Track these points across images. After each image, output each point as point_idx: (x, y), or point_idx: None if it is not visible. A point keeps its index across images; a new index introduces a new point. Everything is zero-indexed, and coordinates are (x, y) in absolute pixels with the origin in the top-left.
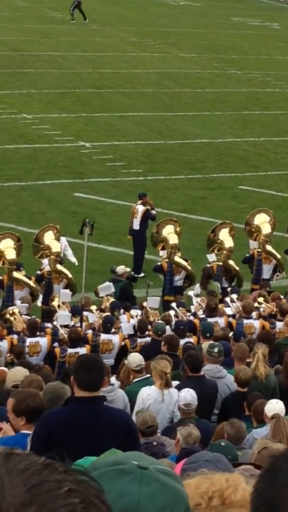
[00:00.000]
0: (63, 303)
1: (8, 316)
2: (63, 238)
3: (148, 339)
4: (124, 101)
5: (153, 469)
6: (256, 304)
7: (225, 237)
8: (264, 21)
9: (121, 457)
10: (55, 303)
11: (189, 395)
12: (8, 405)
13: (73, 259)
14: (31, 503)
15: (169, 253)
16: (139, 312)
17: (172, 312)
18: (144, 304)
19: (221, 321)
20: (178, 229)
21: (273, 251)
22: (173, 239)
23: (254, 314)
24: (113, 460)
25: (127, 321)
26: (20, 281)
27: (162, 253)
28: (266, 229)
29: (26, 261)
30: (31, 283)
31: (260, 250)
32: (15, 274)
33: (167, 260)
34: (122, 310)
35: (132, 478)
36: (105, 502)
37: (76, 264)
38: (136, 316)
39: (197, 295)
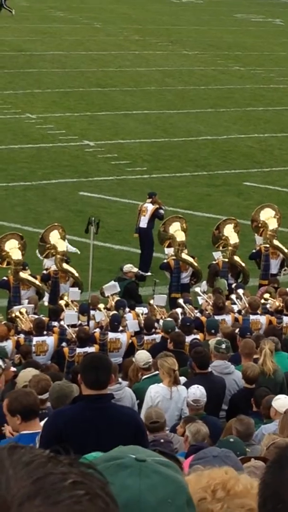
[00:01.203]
0: (72, 301)
1: (14, 316)
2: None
3: (155, 336)
4: (128, 99)
5: (151, 461)
6: (262, 300)
7: (230, 233)
8: (267, 17)
9: (118, 452)
10: (63, 302)
11: (198, 391)
12: (4, 406)
13: (73, 249)
14: (36, 495)
15: (176, 250)
16: (145, 310)
17: (179, 310)
18: (151, 302)
19: (228, 318)
20: (184, 226)
21: (281, 246)
22: (180, 236)
23: (260, 310)
24: (110, 455)
25: (133, 319)
26: (25, 280)
27: (168, 251)
28: (272, 224)
29: (31, 260)
30: (37, 282)
31: (267, 245)
32: (21, 274)
33: (173, 257)
34: (127, 309)
35: (131, 471)
36: (110, 494)
37: (78, 252)
38: (142, 314)
39: (204, 292)
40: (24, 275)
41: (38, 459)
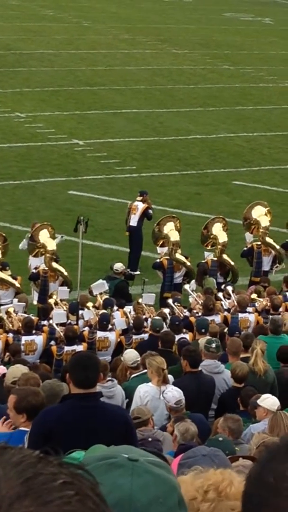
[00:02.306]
0: (61, 300)
1: (0, 315)
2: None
3: (144, 335)
4: (117, 98)
5: (143, 460)
6: (253, 296)
7: (219, 232)
8: (256, 16)
9: (110, 451)
10: (52, 300)
11: (175, 392)
12: (9, 402)
13: (58, 238)
14: (26, 496)
15: (170, 250)
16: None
17: (166, 310)
18: (140, 300)
19: (217, 319)
20: (178, 225)
21: (273, 243)
22: (175, 236)
23: (249, 308)
24: (103, 454)
25: (121, 317)
26: (4, 281)
27: (161, 250)
28: (264, 221)
29: (20, 259)
30: (16, 283)
31: (259, 243)
32: (0, 274)
33: (167, 257)
34: (116, 307)
35: (123, 471)
36: (100, 494)
37: (64, 238)
38: (130, 312)
39: (192, 291)
40: (3, 274)
41: (28, 460)
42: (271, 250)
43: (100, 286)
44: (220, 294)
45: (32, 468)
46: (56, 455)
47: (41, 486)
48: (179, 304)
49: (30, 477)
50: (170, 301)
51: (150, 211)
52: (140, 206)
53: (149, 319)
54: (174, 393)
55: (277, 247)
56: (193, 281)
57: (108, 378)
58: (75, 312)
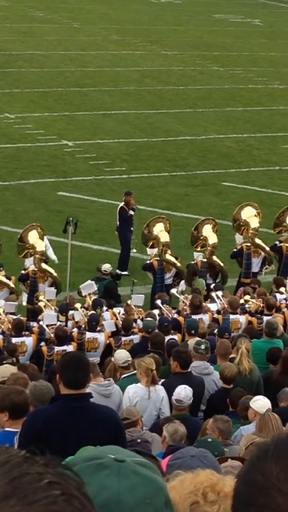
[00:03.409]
0: (48, 301)
1: None
2: (45, 237)
3: (133, 337)
4: (106, 100)
5: (130, 461)
6: (242, 301)
7: (209, 233)
8: (245, 18)
9: (97, 452)
10: (41, 303)
11: (183, 392)
12: None
13: (53, 257)
14: (12, 495)
15: (160, 251)
16: (122, 309)
17: (156, 311)
18: (129, 302)
19: (206, 317)
20: (168, 226)
21: (262, 244)
22: (164, 237)
23: (239, 310)
24: (89, 455)
25: (110, 318)
26: None
27: (150, 251)
28: (254, 222)
29: (10, 260)
30: (11, 283)
31: (249, 244)
32: None
33: (157, 258)
34: (105, 308)
35: (110, 471)
36: (86, 494)
37: (57, 261)
38: (119, 313)
39: (182, 292)
40: None
41: (14, 459)
42: (261, 251)
43: (89, 287)
44: (213, 294)
45: (18, 468)
46: (42, 455)
47: (27, 486)
48: (167, 306)
49: (16, 477)
50: (158, 302)
51: (131, 212)
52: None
53: (138, 321)
54: (181, 391)
55: (267, 248)
56: (182, 282)
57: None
58: (65, 313)
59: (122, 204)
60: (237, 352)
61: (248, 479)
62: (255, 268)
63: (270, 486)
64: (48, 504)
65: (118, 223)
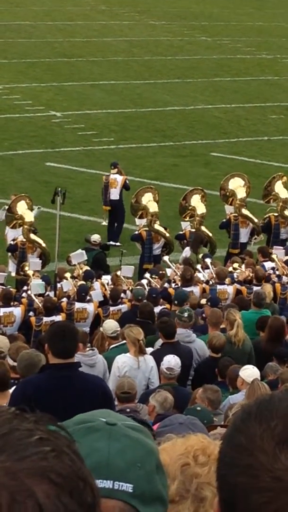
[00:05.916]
0: (34, 272)
1: None
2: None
3: (121, 306)
4: (94, 70)
5: (121, 425)
6: (230, 269)
7: (197, 203)
8: None
9: (88, 415)
10: (30, 272)
11: (173, 360)
12: None
13: (36, 212)
14: (2, 451)
15: (149, 221)
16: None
17: (144, 281)
18: (118, 273)
19: (196, 290)
20: (156, 196)
21: (250, 215)
22: (153, 207)
23: (227, 280)
24: (80, 418)
25: (100, 288)
26: None
27: (139, 222)
28: (241, 193)
29: None
30: None
31: (236, 214)
32: None
33: (145, 228)
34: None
35: (101, 434)
36: (76, 451)
37: (41, 209)
38: (108, 283)
39: (187, 258)
40: None
41: (4, 416)
42: (249, 222)
43: (79, 256)
44: (199, 266)
45: (8, 424)
46: (32, 413)
47: (17, 441)
48: (156, 277)
49: (6, 433)
50: (147, 275)
51: (127, 181)
52: (119, 178)
53: (128, 292)
54: (171, 360)
55: (255, 219)
56: (187, 248)
57: (89, 348)
58: (48, 284)
59: (123, 176)
60: (230, 323)
61: (232, 441)
62: (243, 238)
63: (253, 447)
64: (38, 460)
65: (118, 196)
